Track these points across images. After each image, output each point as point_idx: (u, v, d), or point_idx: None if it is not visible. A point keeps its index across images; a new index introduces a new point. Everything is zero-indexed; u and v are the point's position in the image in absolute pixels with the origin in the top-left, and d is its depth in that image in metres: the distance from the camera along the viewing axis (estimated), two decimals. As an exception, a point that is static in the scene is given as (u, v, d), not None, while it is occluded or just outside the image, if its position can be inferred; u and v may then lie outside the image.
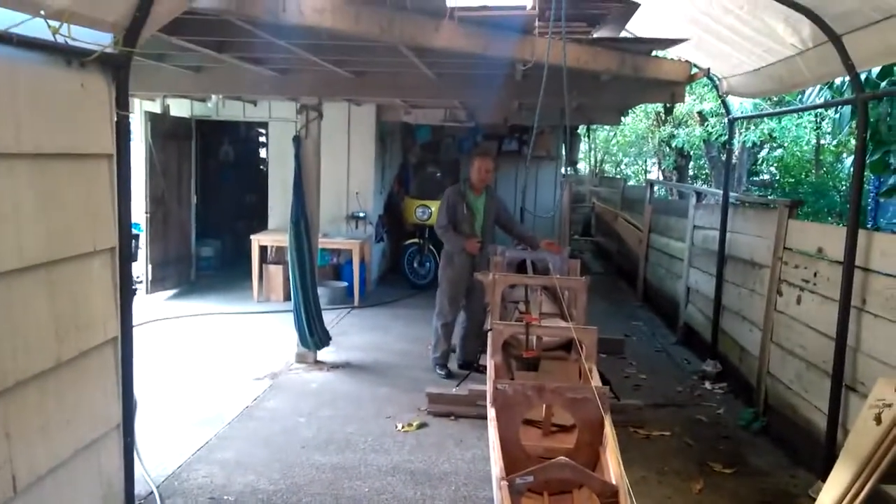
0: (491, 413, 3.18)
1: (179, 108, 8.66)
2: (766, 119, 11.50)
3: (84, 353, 2.38)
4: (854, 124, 4.44)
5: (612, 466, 2.66)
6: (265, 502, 3.41)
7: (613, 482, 2.45)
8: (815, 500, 2.95)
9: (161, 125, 7.98)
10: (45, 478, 2.22)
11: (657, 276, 8.43)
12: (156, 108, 8.27)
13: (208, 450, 4.00)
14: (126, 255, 2.61)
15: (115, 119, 2.49)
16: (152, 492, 3.40)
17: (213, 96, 7.74)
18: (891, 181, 4.21)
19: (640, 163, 21.72)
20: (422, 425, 4.52)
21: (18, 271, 2.06)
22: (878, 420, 2.58)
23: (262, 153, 11.80)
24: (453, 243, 5.50)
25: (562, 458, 2.47)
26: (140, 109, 8.19)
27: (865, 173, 4.61)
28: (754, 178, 15.45)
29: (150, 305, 7.46)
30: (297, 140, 5.36)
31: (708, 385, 5.64)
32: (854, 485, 2.67)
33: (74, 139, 2.31)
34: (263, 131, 11.11)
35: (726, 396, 5.38)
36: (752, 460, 4.19)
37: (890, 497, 3.16)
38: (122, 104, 2.50)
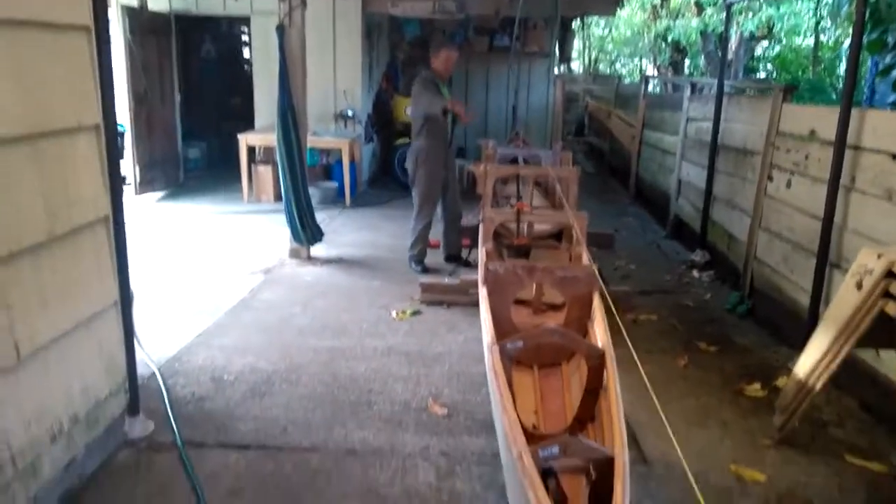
0: (483, 292, 3.25)
1: (157, 1, 8.29)
2: (763, 6, 11.13)
3: (76, 229, 2.39)
4: (852, 5, 4.29)
5: (600, 335, 2.74)
6: (265, 381, 3.52)
7: (600, 346, 2.53)
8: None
9: (139, 20, 7.68)
10: (48, 348, 2.28)
11: (649, 172, 8.42)
12: (133, 2, 7.92)
13: (207, 336, 4.09)
14: (112, 135, 2.57)
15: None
16: (154, 373, 3.50)
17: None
18: (888, 60, 4.13)
19: (634, 61, 21.21)
20: (415, 313, 4.61)
21: (1, 142, 2.03)
22: (859, 286, 2.65)
23: (246, 53, 11.43)
24: (437, 105, 5.07)
25: (551, 324, 2.55)
26: (117, 4, 7.83)
27: (863, 53, 4.52)
28: (751, 76, 15.16)
29: (140, 206, 7.42)
30: (280, 29, 5.17)
31: (696, 273, 5.74)
32: (832, 348, 2.77)
33: (49, 7, 2.22)
34: (245, 29, 10.72)
35: (714, 283, 5.50)
36: (737, 339, 4.33)
37: (866, 363, 3.30)
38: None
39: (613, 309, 2.74)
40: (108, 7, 2.60)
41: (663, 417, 1.90)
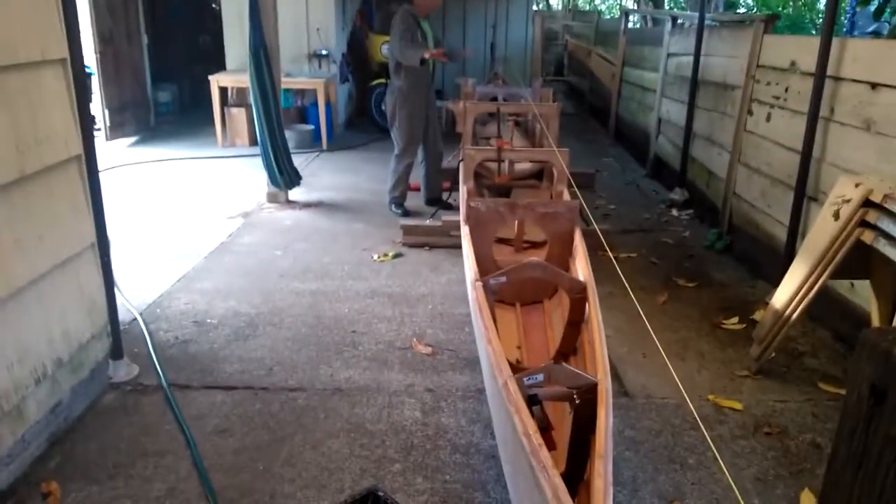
0: (465, 230, 3.24)
1: (118, -64, 7.91)
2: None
3: (49, 167, 2.33)
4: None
5: (581, 269, 2.76)
6: (248, 324, 3.52)
7: (582, 280, 2.56)
8: (770, 300, 3.13)
9: (100, -45, 7.33)
10: (26, 290, 2.25)
11: (629, 111, 8.37)
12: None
13: (187, 281, 4.06)
14: (79, 71, 2.48)
15: None
16: (135, 318, 3.48)
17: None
18: (868, -12, 4.10)
19: (614, -1, 20.83)
20: (397, 255, 4.60)
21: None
22: (836, 216, 2.68)
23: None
24: (414, 56, 4.98)
25: (533, 258, 2.56)
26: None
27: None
28: (731, 11, 14.97)
29: (111, 152, 7.24)
30: (250, -39, 4.97)
31: (675, 212, 5.78)
32: (808, 279, 2.82)
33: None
34: (213, -35, 10.30)
35: (692, 222, 5.54)
36: (715, 275, 4.40)
37: (840, 295, 3.38)
38: None
39: (604, 243, 2.76)
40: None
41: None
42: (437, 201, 5.60)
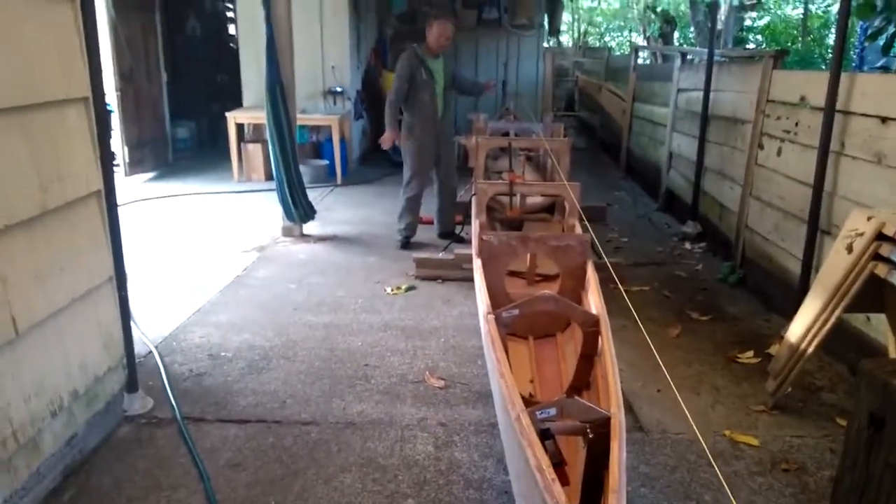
0: (477, 263, 3.26)
1: (140, -22, 8.17)
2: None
3: (69, 203, 2.38)
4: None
5: (594, 302, 2.76)
6: (262, 357, 3.53)
7: (595, 313, 2.56)
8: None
9: (122, -4, 7.57)
10: (45, 323, 2.28)
11: (640, 146, 8.42)
12: (115, -22, 7.79)
13: (202, 314, 4.09)
14: (101, 108, 2.55)
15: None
16: (151, 351, 3.51)
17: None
18: (876, 23, 4.13)
19: (624, 34, 21.11)
20: (410, 288, 4.62)
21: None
22: (849, 249, 2.68)
23: (232, 30, 11.30)
24: (387, 121, 5.32)
25: (546, 291, 2.57)
26: (98, -19, 7.71)
27: (852, 20, 4.51)
28: (740, 47, 15.12)
29: (130, 187, 7.37)
30: (266, 1, 5.10)
31: (688, 245, 5.78)
32: (823, 313, 2.81)
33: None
34: (231, 5, 10.57)
35: (705, 254, 5.53)
36: (728, 308, 4.37)
37: (856, 329, 3.35)
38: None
39: (615, 276, 2.77)
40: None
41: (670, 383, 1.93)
42: (451, 234, 5.63)
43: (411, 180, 5.42)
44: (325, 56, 8.39)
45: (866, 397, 0.56)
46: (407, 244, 5.53)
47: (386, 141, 5.38)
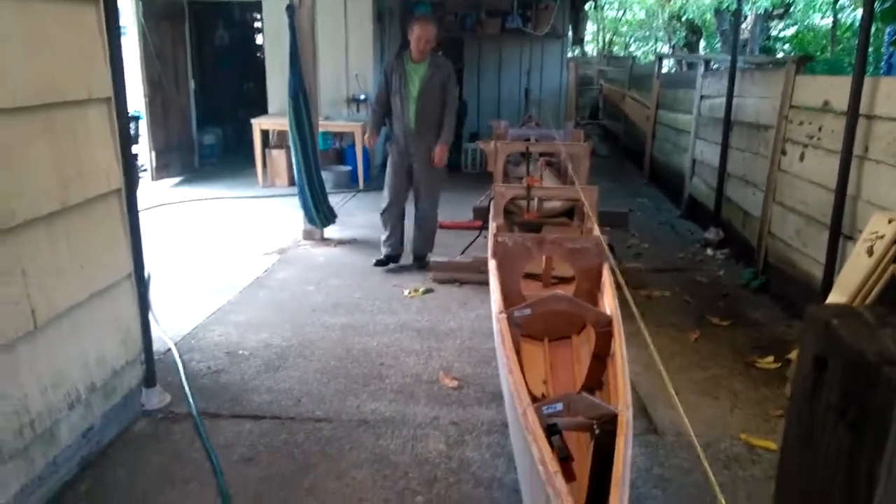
0: (492, 264, 3.26)
1: (170, -12, 8.36)
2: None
3: (90, 200, 2.44)
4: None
5: (608, 303, 2.75)
6: (279, 355, 3.57)
7: (608, 313, 2.54)
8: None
9: (153, 5, 7.74)
10: (64, 317, 2.33)
11: (664, 153, 8.36)
12: (146, -12, 7.98)
13: (221, 314, 4.15)
14: (122, 108, 2.61)
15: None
16: (170, 348, 3.56)
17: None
18: (903, 27, 4.07)
19: (649, 43, 21.00)
20: (427, 291, 4.64)
21: (13, 111, 2.07)
22: (870, 252, 2.63)
23: (259, 40, 11.49)
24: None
25: (559, 291, 2.56)
26: (130, -10, 7.90)
27: (877, 25, 4.44)
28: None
29: (156, 191, 7.51)
30: (290, 9, 5.19)
31: (710, 251, 5.71)
32: (843, 316, 2.76)
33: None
34: (258, 15, 10.76)
35: (728, 261, 5.46)
36: (750, 314, 4.31)
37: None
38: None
39: (622, 282, 2.75)
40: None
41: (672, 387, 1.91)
42: (420, 259, 5.16)
43: (384, 192, 5.14)
44: (350, 64, 8.48)
45: (810, 342, 0.55)
46: (385, 263, 5.10)
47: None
